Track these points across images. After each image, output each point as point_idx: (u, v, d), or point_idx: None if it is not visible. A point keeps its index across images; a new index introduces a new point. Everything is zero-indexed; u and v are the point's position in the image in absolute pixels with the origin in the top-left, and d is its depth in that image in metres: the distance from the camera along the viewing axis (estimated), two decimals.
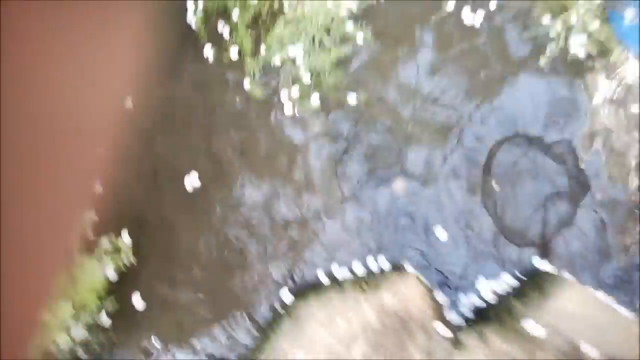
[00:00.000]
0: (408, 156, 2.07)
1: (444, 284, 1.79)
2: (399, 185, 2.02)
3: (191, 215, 2.10)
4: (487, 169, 2.03)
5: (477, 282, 1.80)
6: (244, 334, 1.91)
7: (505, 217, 1.95)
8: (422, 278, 1.73)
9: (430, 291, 1.71)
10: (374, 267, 1.84)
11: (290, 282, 1.89)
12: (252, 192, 2.09)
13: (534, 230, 1.91)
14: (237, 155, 2.12)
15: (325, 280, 1.85)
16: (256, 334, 1.86)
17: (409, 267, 1.82)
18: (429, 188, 2.02)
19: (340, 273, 1.84)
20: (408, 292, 1.62)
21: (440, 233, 1.91)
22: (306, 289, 1.82)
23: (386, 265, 1.84)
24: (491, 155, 2.04)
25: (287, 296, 1.86)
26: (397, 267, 1.82)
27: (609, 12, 1.97)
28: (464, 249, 1.87)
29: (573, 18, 2.01)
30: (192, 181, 2.10)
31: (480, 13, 2.11)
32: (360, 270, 1.84)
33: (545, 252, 1.83)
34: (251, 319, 1.90)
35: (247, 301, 1.93)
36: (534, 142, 2.01)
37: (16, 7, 0.19)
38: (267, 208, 2.09)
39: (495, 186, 1.93)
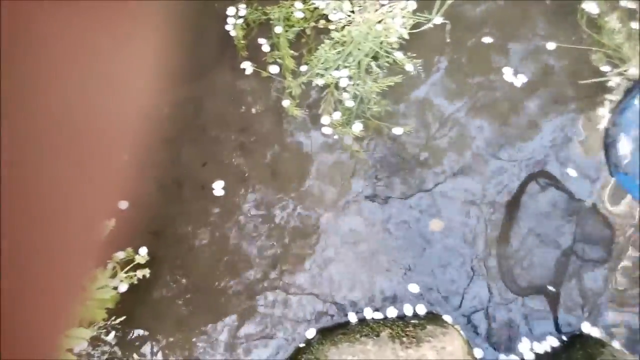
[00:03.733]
0: (445, 193, 1.97)
1: (485, 341, 1.65)
2: (436, 224, 1.91)
3: (211, 231, 1.94)
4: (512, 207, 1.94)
5: (520, 343, 1.67)
6: None
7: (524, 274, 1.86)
8: (461, 333, 1.60)
9: (470, 348, 1.58)
10: (409, 312, 1.70)
11: (316, 319, 1.73)
12: (278, 214, 1.94)
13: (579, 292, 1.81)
14: (268, 173, 1.98)
15: (354, 320, 1.70)
16: None
17: (447, 318, 1.69)
18: (466, 232, 1.91)
19: (372, 314, 1.70)
20: (449, 349, 1.48)
21: (482, 285, 1.79)
22: (334, 330, 1.67)
23: (423, 312, 1.70)
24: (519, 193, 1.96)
25: (311, 334, 1.70)
26: (435, 317, 1.69)
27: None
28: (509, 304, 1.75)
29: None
30: (216, 191, 1.95)
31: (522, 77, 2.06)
32: (393, 314, 1.70)
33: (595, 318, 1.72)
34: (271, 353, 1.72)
35: (266, 333, 1.76)
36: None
37: (29, 5, 0.18)
38: (292, 234, 1.94)
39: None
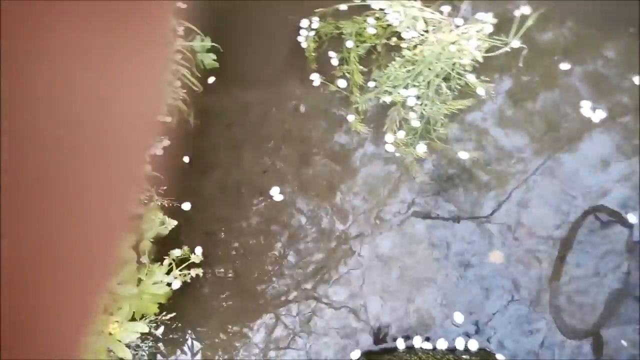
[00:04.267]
0: (505, 224, 1.88)
1: None
2: (497, 255, 1.83)
3: (264, 236, 1.96)
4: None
5: None
6: None
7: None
8: None
9: None
10: (460, 346, 1.63)
11: (360, 342, 1.70)
12: (331, 226, 1.93)
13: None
14: (325, 185, 1.98)
15: (402, 347, 1.65)
16: None
17: (500, 357, 1.60)
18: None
19: (421, 343, 1.64)
20: None
21: (538, 323, 1.69)
22: (380, 355, 1.63)
23: (474, 348, 1.62)
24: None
25: (356, 356, 1.67)
26: (487, 354, 1.61)
27: None
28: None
29: None
30: (275, 197, 1.96)
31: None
32: (444, 346, 1.63)
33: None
34: None
35: (311, 349, 1.74)
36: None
37: (40, 6, 0.17)
38: (341, 248, 1.92)
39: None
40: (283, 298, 1.88)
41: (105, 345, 1.35)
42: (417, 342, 1.65)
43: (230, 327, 1.88)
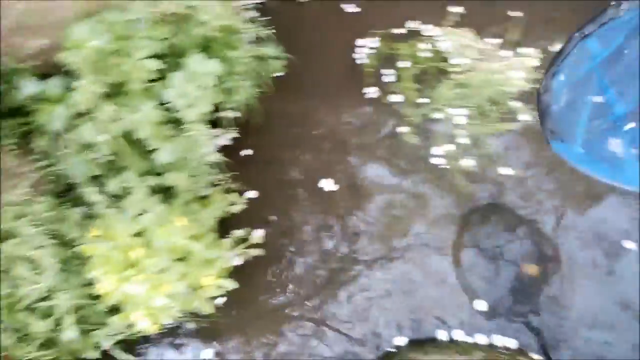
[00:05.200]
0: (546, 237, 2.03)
1: None
2: (533, 268, 1.97)
3: (315, 226, 2.11)
4: None
5: None
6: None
7: None
8: None
9: None
10: (499, 343, 1.76)
11: (405, 329, 1.83)
12: (385, 235, 2.08)
13: None
14: (374, 190, 2.15)
15: (444, 338, 1.78)
16: None
17: (537, 357, 1.73)
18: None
19: (462, 337, 1.77)
20: None
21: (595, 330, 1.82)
22: (424, 342, 1.76)
23: (514, 346, 1.76)
24: None
25: (402, 342, 1.80)
26: (522, 353, 1.74)
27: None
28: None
29: None
30: (326, 193, 2.13)
31: None
32: (483, 341, 1.76)
33: None
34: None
35: (358, 335, 1.86)
36: None
37: None
38: (384, 240, 2.07)
39: None
40: (330, 282, 2.01)
41: (194, 298, 1.48)
42: (459, 335, 1.78)
43: (273, 312, 2.01)
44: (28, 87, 1.64)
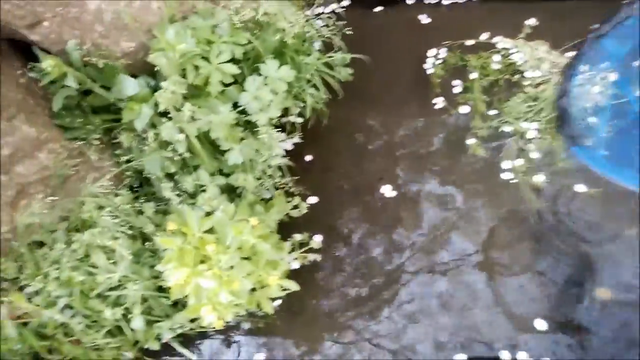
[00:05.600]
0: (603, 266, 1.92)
1: None
2: (606, 292, 1.86)
3: (373, 234, 2.10)
4: None
5: None
6: None
7: None
8: None
9: None
10: None
11: (466, 346, 1.77)
12: (454, 248, 2.03)
13: None
14: (439, 200, 2.11)
15: (507, 358, 1.71)
16: None
17: None
18: None
19: (526, 358, 1.70)
20: None
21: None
22: None
23: None
24: None
25: (461, 358, 1.74)
26: None
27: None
28: None
29: None
30: (387, 192, 2.14)
31: None
32: None
33: None
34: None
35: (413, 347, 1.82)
36: None
37: None
38: (446, 255, 2.02)
39: None
40: (376, 297, 1.99)
41: (258, 297, 1.51)
42: (522, 356, 1.70)
43: (329, 320, 2.00)
44: (129, 87, 1.74)
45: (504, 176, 2.09)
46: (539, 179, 2.05)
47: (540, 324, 1.82)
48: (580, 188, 2.01)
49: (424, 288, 1.98)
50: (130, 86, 1.73)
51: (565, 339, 1.83)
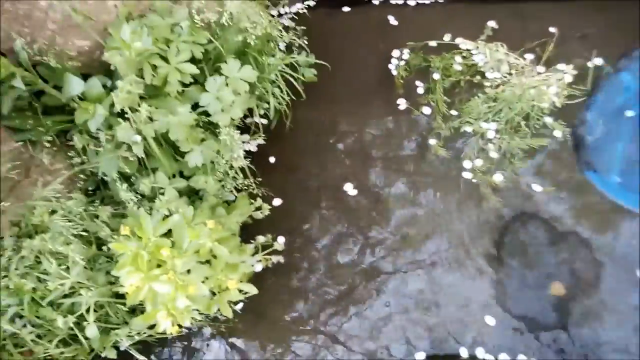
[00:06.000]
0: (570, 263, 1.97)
1: None
2: (559, 289, 1.91)
3: (334, 238, 2.09)
4: None
5: None
6: None
7: None
8: None
9: None
10: None
11: (423, 346, 1.78)
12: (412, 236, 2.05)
13: None
14: (404, 201, 2.12)
15: (465, 355, 1.73)
16: None
17: None
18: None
19: (484, 354, 1.72)
20: None
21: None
22: (442, 358, 1.71)
23: None
24: None
25: (421, 357, 1.75)
26: None
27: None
28: None
29: None
30: (350, 191, 2.15)
31: None
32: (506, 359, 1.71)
33: None
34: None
35: (376, 345, 1.83)
36: None
37: None
38: (410, 253, 2.04)
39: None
40: (343, 291, 1.99)
41: (216, 302, 1.48)
42: (480, 352, 1.73)
43: (304, 321, 1.99)
44: (75, 87, 1.68)
45: (465, 175, 2.13)
46: (498, 178, 2.09)
47: (491, 320, 1.86)
48: (537, 187, 2.07)
49: (390, 286, 1.99)
50: (76, 86, 1.67)
51: (521, 335, 1.87)
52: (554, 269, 1.96)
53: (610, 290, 1.89)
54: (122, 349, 1.85)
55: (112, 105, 1.69)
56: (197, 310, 1.65)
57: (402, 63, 2.38)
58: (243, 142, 2.05)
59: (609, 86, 2.20)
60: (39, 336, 1.75)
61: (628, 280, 1.90)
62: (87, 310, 1.72)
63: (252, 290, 1.67)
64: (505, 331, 1.85)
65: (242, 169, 2.05)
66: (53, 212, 1.78)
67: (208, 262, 1.68)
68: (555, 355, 1.81)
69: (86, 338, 1.76)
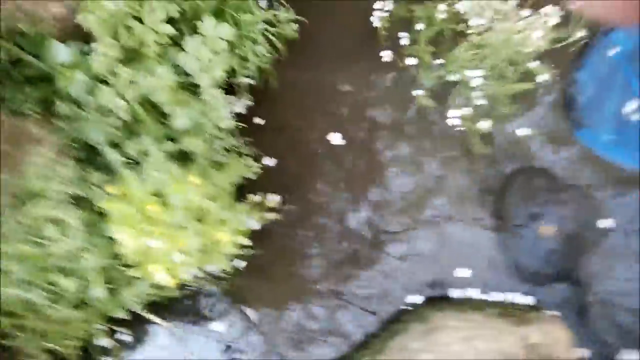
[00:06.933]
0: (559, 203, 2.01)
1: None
2: (549, 229, 1.95)
3: (332, 191, 2.13)
4: None
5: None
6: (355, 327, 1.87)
7: None
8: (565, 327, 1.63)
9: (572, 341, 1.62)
10: (517, 300, 1.76)
11: (424, 288, 1.85)
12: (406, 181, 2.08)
13: None
14: (385, 150, 2.15)
15: (459, 295, 1.80)
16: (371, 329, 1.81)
17: (553, 312, 1.73)
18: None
19: (478, 295, 1.78)
20: (556, 336, 1.52)
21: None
22: (440, 300, 1.77)
23: (529, 302, 1.76)
24: None
25: (418, 300, 1.82)
26: (539, 308, 1.74)
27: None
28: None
29: None
30: (337, 147, 2.17)
31: None
32: (499, 298, 1.77)
33: None
34: (369, 312, 1.86)
35: (369, 294, 1.89)
36: None
37: None
38: (406, 209, 2.08)
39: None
40: (349, 244, 2.04)
41: (211, 255, 1.53)
42: (474, 293, 1.79)
43: (297, 274, 2.05)
44: (61, 53, 1.68)
45: (451, 123, 2.14)
46: (485, 125, 2.10)
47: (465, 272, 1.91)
48: (525, 132, 2.08)
49: (388, 250, 2.04)
50: (61, 52, 1.68)
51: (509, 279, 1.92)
52: (546, 212, 2.00)
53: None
54: (132, 310, 1.92)
55: (92, 70, 1.69)
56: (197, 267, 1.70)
57: (385, 14, 2.35)
58: (229, 103, 2.06)
59: (600, 46, 2.16)
60: (51, 300, 1.81)
61: None
62: (92, 273, 1.78)
63: (245, 242, 1.71)
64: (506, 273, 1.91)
65: (231, 131, 2.07)
66: (47, 179, 1.82)
67: (201, 219, 1.73)
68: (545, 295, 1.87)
69: (96, 301, 1.82)
